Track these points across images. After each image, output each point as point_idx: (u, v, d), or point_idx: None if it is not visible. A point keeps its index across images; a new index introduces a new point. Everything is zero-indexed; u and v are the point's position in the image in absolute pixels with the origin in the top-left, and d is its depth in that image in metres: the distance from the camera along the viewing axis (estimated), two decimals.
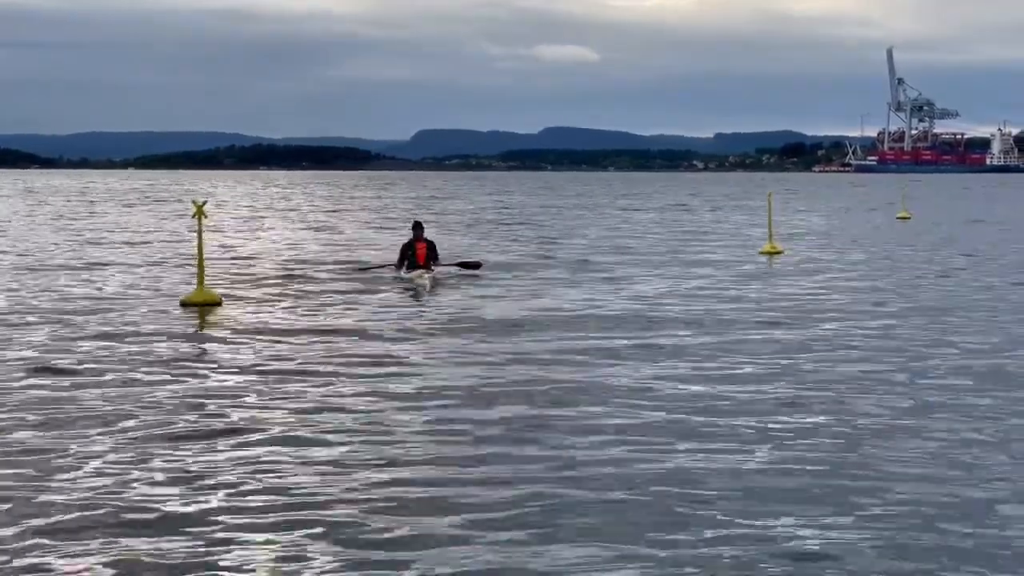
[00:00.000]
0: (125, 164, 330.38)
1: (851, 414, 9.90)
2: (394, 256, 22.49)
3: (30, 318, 16.04)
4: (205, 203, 18.46)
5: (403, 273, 21.17)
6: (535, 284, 20.96)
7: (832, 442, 8.90)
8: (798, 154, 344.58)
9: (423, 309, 17.20)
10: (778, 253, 28.64)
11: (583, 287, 20.45)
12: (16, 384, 11.16)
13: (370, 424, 9.46)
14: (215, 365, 12.32)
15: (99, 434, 9.06)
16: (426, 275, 20.82)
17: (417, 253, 21.57)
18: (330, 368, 12.06)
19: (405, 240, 22.66)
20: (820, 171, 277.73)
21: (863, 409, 10.11)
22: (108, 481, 7.73)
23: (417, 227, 22.48)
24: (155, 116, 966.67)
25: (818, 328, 15.22)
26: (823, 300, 18.59)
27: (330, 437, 9.00)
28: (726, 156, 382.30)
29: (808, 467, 8.15)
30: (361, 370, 11.88)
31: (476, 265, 22.73)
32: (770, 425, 9.47)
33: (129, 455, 8.41)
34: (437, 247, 22.32)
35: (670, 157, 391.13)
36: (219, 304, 17.42)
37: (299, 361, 12.50)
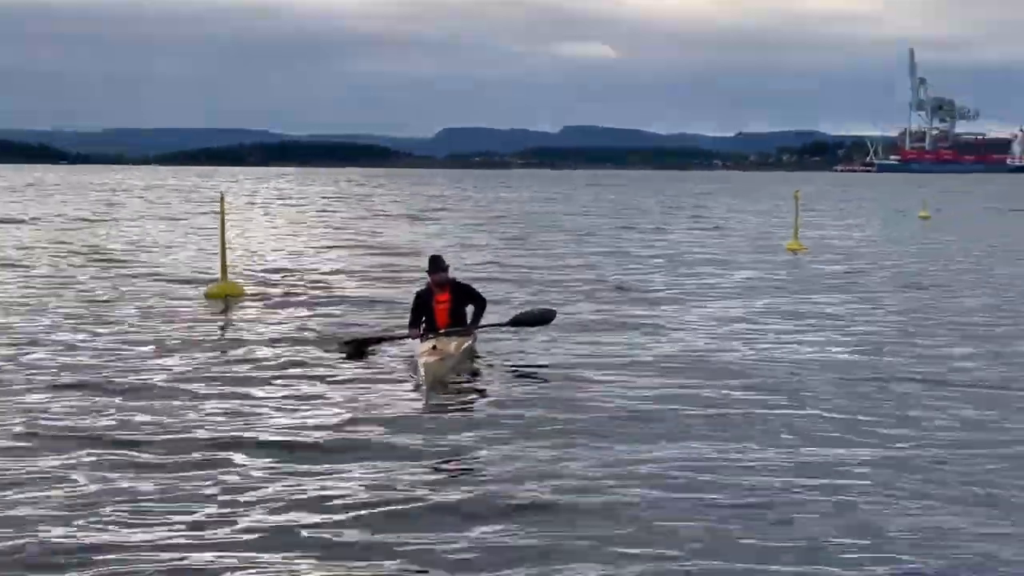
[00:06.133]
0: (146, 160, 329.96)
1: None
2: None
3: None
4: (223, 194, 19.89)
5: (416, 348, 12.69)
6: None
7: None
8: (820, 153, 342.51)
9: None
10: (801, 250, 28.67)
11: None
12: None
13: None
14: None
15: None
16: (445, 350, 12.10)
17: (436, 310, 13.26)
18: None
19: (420, 286, 14.05)
20: (842, 171, 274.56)
21: None
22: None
23: (435, 266, 13.36)
24: (179, 112, 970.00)
25: None
26: None
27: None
28: (746, 155, 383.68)
29: None
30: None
31: (546, 318, 14.25)
32: None
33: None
34: (477, 291, 13.74)
35: (689, 156, 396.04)
36: (242, 295, 18.46)
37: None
